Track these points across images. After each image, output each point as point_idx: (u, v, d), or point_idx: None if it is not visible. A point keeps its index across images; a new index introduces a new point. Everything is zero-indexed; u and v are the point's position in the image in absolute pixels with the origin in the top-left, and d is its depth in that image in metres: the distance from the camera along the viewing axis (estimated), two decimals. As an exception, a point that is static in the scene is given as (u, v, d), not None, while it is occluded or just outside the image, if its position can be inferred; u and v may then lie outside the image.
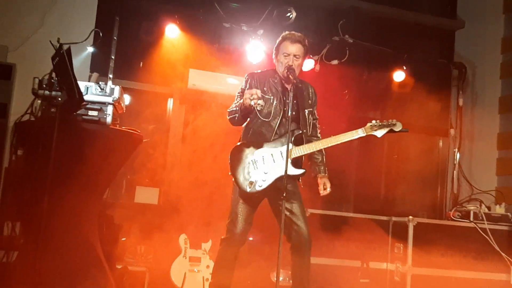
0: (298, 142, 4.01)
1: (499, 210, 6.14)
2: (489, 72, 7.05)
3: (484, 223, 5.81)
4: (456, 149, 7.13)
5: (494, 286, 5.72)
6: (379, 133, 3.98)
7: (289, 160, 3.87)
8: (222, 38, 6.41)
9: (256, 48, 6.31)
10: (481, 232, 5.77)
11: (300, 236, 4.02)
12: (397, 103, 7.09)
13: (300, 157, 4.02)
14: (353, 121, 7.11)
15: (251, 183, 3.94)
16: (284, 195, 3.67)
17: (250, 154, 4.00)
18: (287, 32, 4.17)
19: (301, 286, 4.10)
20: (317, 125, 4.30)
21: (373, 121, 3.99)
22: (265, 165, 3.95)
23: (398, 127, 3.99)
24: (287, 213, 4.01)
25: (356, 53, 6.79)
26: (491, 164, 6.79)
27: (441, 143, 7.62)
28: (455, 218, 6.01)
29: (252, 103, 3.84)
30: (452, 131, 7.25)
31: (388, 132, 3.98)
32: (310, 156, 4.19)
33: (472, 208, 6.05)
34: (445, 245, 5.67)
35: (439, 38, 7.58)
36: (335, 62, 6.77)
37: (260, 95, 3.87)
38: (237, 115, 4.04)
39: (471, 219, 5.89)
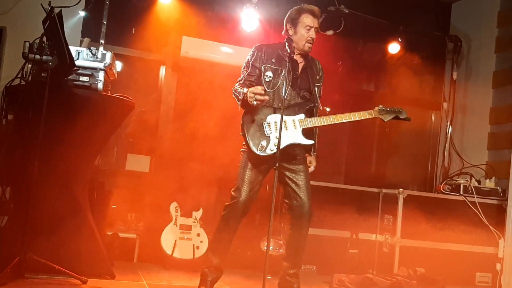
0: (309, 114, 4.05)
1: (489, 184, 6.18)
2: (484, 46, 7.01)
3: (473, 197, 5.86)
4: (449, 123, 7.15)
5: (482, 259, 5.80)
6: (386, 117, 4.09)
7: (301, 130, 3.98)
8: (216, 5, 6.33)
9: (250, 16, 6.23)
10: (470, 205, 5.82)
11: (301, 209, 4.04)
12: (392, 75, 7.07)
13: (311, 128, 4.06)
14: (347, 92, 7.11)
15: (262, 146, 3.92)
16: (276, 165, 3.68)
17: (263, 117, 3.99)
18: (306, 6, 4.14)
19: (295, 258, 4.14)
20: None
21: (381, 106, 4.09)
22: (277, 131, 3.94)
23: (403, 115, 4.14)
24: (291, 184, 4.05)
25: (351, 23, 6.72)
26: (482, 138, 6.81)
27: (433, 117, 7.61)
28: (445, 191, 6.05)
29: (255, 103, 3.81)
30: (445, 104, 7.25)
31: (393, 118, 4.11)
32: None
33: (462, 181, 6.09)
34: (434, 217, 5.72)
35: (435, 11, 7.52)
36: (330, 32, 6.70)
37: (262, 92, 3.83)
38: (238, 102, 4.02)
39: (461, 192, 5.93)
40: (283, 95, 3.83)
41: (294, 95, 4.08)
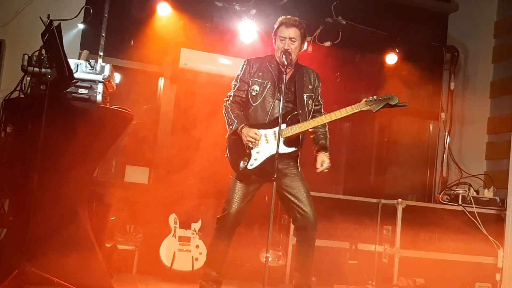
0: (293, 122, 4.02)
1: (488, 194, 6.18)
2: (481, 56, 7.04)
3: (472, 207, 5.86)
4: (447, 133, 7.16)
5: (481, 269, 5.79)
6: (374, 107, 3.92)
7: (282, 139, 3.93)
8: (214, 17, 6.36)
9: (248, 27, 6.26)
10: (469, 215, 5.82)
11: (305, 220, 4.06)
12: (389, 86, 7.08)
13: (295, 136, 4.03)
14: (345, 103, 7.09)
15: (243, 163, 3.98)
16: (275, 176, 3.72)
17: (245, 135, 4.00)
18: (282, 17, 4.17)
19: (305, 269, 4.16)
20: (321, 110, 4.31)
21: (370, 97, 3.97)
22: (258, 146, 3.97)
23: (394, 101, 3.91)
24: (291, 198, 4.06)
25: (349, 35, 6.76)
26: (480, 148, 6.82)
27: (431, 127, 7.63)
28: (444, 202, 6.05)
29: (250, 145, 3.96)
30: (443, 114, 7.27)
31: (384, 106, 3.91)
32: (314, 133, 4.22)
33: (460, 191, 6.09)
34: (434, 228, 5.72)
35: (432, 21, 7.57)
36: (327, 43, 6.73)
37: (256, 135, 3.94)
38: (228, 125, 4.10)
39: (460, 202, 5.93)
40: (279, 108, 3.86)
41: (280, 106, 4.02)
